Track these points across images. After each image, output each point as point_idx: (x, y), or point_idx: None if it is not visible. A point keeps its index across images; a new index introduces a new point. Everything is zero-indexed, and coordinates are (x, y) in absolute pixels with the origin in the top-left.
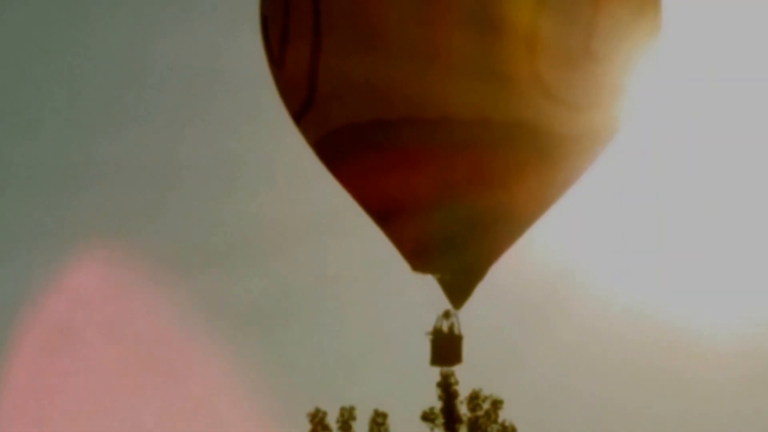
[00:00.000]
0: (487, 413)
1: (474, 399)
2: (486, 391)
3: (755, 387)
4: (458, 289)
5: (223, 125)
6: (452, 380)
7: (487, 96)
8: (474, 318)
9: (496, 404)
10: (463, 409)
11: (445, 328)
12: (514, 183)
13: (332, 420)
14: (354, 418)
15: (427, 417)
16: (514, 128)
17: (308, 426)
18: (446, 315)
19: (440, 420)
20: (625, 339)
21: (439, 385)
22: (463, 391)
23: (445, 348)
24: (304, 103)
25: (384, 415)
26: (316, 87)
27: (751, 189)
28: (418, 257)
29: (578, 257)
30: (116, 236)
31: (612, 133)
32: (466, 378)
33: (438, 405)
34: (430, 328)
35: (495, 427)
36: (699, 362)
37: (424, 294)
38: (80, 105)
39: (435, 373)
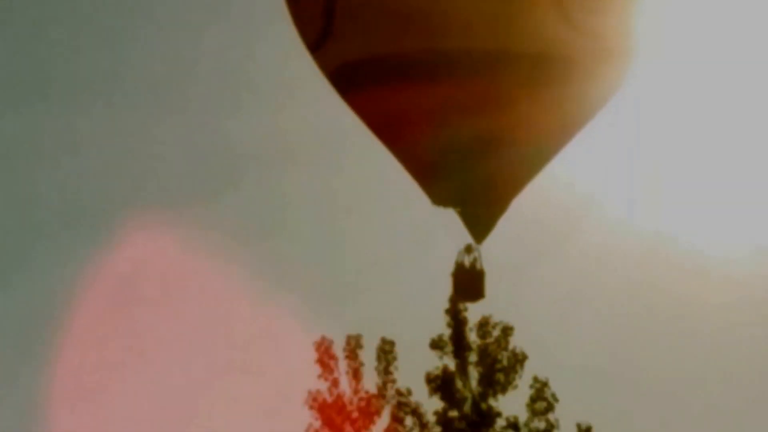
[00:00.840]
0: (497, 340)
1: (484, 326)
2: (496, 318)
3: None
4: (480, 223)
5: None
6: (461, 307)
7: (507, 25)
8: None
9: (507, 331)
10: (473, 337)
11: (467, 263)
12: (535, 113)
13: (338, 349)
14: (361, 347)
15: (436, 345)
16: (535, 58)
17: (314, 355)
18: (468, 250)
19: (449, 348)
20: (640, 269)
21: (448, 312)
22: (473, 318)
23: (467, 283)
24: (321, 34)
25: (391, 343)
26: (333, 17)
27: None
28: (439, 191)
29: (600, 189)
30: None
31: (630, 60)
32: (476, 305)
33: (447, 332)
34: (450, 263)
35: (505, 354)
36: (715, 289)
37: (445, 227)
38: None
39: (443, 300)
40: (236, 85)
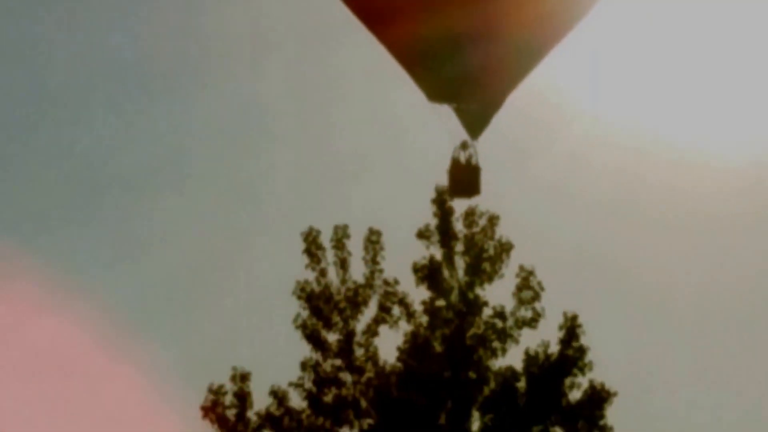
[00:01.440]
0: (484, 230)
1: (470, 215)
2: (482, 208)
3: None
4: (475, 119)
5: None
6: (447, 196)
7: None
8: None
9: (493, 220)
10: (459, 226)
11: (462, 159)
12: (528, 10)
13: (326, 239)
14: (348, 237)
15: (422, 234)
16: None
17: (302, 245)
18: (464, 146)
19: (436, 237)
20: (625, 163)
21: (434, 201)
22: (459, 208)
23: (463, 179)
24: None
25: (378, 233)
26: None
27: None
28: (433, 85)
29: (589, 87)
30: None
31: None
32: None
33: (433, 222)
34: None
35: (492, 243)
36: (697, 180)
37: (435, 121)
38: None
39: (430, 190)
40: None
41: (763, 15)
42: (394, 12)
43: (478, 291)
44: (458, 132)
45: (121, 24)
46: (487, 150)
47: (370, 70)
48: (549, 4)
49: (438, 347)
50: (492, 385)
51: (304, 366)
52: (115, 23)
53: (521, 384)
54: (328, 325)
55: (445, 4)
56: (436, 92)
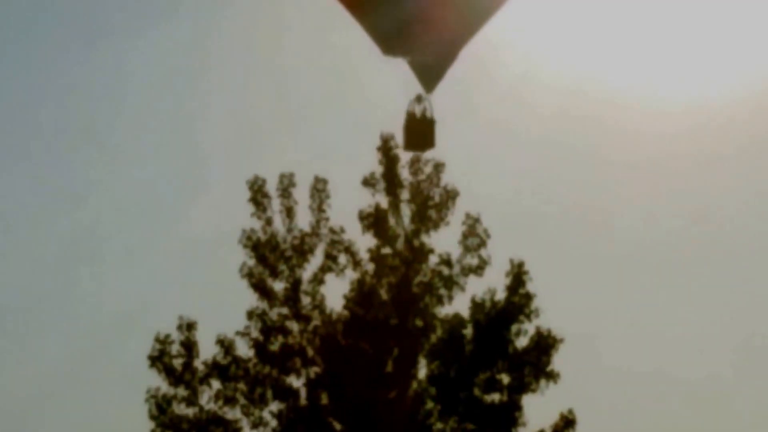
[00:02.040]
0: (429, 177)
1: (415, 163)
2: (428, 155)
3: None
4: (430, 72)
5: None
6: (392, 144)
7: None
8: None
9: (438, 167)
10: (405, 174)
11: (417, 112)
12: None
13: (272, 187)
14: (294, 185)
15: (368, 182)
16: None
17: (248, 194)
18: (419, 99)
19: (381, 185)
20: (571, 107)
21: (380, 149)
22: (405, 155)
23: (418, 132)
24: None
25: (324, 181)
26: None
27: None
28: (389, 40)
29: (548, 42)
30: None
31: None
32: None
33: (379, 170)
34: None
35: (437, 191)
36: (648, 122)
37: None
38: None
39: (375, 138)
40: None
41: None
42: None
43: (424, 238)
44: (413, 84)
45: None
46: (433, 97)
47: (322, 17)
48: None
49: (384, 295)
50: (438, 332)
51: (250, 315)
52: None
53: (468, 331)
54: (275, 274)
55: None
56: (389, 45)
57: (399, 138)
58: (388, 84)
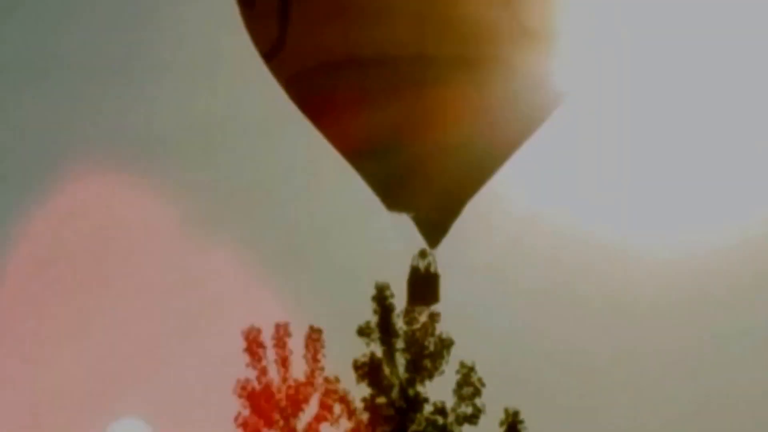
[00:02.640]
0: (424, 326)
1: (410, 312)
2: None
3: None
4: (434, 228)
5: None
6: (388, 293)
7: (462, 33)
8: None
9: (433, 317)
10: (400, 323)
11: (421, 267)
12: (486, 118)
13: (267, 337)
14: (289, 335)
15: (363, 332)
16: (488, 64)
17: (243, 343)
18: (422, 254)
19: (376, 334)
20: (566, 246)
21: (375, 299)
22: (399, 304)
23: (423, 287)
24: (276, 43)
25: (319, 331)
26: (287, 26)
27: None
28: (393, 195)
29: (551, 196)
30: None
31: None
32: (403, 291)
33: (374, 319)
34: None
35: (432, 340)
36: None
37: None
38: None
39: (370, 287)
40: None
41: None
42: (356, 130)
43: (419, 387)
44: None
45: None
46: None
47: (314, 168)
48: (506, 111)
49: None
50: None
51: None
52: None
53: None
54: (269, 424)
55: (408, 121)
56: (393, 201)
57: (394, 288)
58: (382, 233)
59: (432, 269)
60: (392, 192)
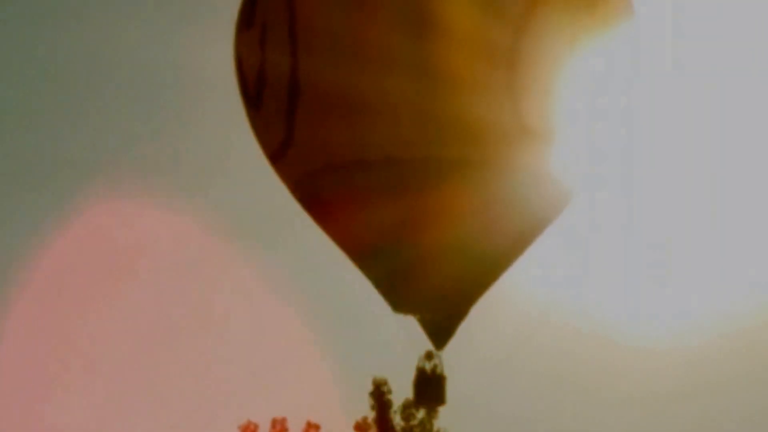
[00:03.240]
0: (422, 422)
1: (407, 408)
2: None
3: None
4: (440, 330)
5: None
6: (385, 389)
7: (466, 134)
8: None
9: (431, 412)
10: (397, 419)
11: (428, 368)
12: (491, 219)
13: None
14: (286, 430)
15: (360, 427)
16: (493, 165)
17: None
18: (429, 356)
19: (373, 430)
20: (566, 335)
21: (372, 394)
22: (397, 400)
23: (429, 389)
24: (282, 145)
25: (316, 427)
26: (293, 128)
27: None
28: (398, 297)
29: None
30: None
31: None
32: (400, 387)
33: (371, 415)
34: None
35: None
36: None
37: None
38: None
39: (367, 383)
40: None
41: None
42: (363, 232)
43: None
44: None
45: None
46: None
47: (318, 266)
48: (511, 212)
49: None
50: None
51: None
52: None
53: None
54: None
55: (414, 224)
56: (399, 303)
57: (392, 383)
58: (380, 328)
59: (438, 371)
60: (397, 294)
